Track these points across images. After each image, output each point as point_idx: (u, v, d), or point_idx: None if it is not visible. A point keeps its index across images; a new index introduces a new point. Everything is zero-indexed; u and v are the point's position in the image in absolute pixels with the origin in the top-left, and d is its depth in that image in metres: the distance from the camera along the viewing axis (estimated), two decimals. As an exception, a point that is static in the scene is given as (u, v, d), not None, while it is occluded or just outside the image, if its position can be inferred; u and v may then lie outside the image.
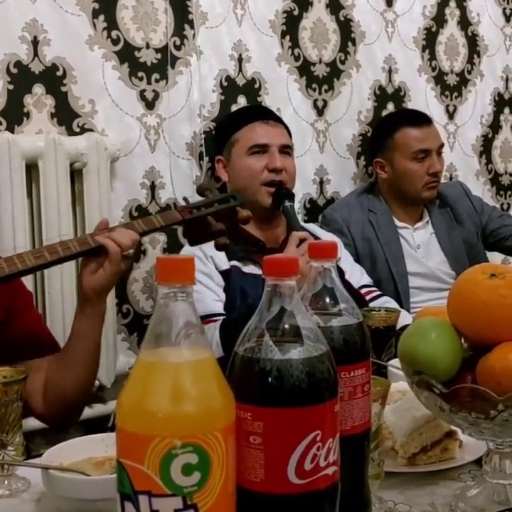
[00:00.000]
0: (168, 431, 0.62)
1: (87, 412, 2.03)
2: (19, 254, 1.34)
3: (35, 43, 1.95)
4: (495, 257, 2.74)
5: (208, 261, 1.93)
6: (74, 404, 1.46)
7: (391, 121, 2.48)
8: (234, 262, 1.95)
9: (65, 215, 1.93)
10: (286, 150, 2.09)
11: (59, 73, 2.00)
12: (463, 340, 0.91)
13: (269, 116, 2.17)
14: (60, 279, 1.91)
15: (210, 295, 1.89)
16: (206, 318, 1.80)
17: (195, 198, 1.57)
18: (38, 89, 1.97)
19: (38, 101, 1.97)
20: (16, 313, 1.41)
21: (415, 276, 2.39)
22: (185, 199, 1.56)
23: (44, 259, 1.33)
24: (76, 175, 1.99)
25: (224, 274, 1.93)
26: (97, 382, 2.00)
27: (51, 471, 0.92)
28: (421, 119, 2.43)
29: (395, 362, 1.22)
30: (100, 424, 1.95)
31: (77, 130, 2.03)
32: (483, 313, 0.88)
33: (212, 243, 2.03)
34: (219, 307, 1.89)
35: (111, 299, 1.86)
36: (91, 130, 2.04)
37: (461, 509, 0.93)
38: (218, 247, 1.53)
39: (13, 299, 1.42)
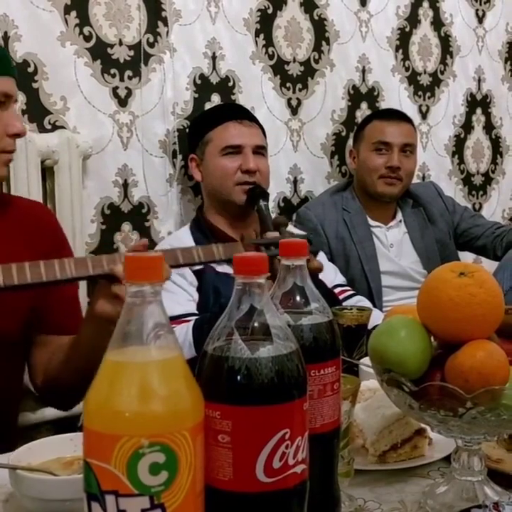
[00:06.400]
0: (135, 430, 0.61)
1: (58, 412, 2.01)
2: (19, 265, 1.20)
3: (5, 38, 1.93)
4: (466, 257, 2.77)
5: (181, 260, 1.92)
6: (68, 394, 1.39)
7: (370, 115, 2.54)
8: None
9: (36, 212, 1.91)
10: (260, 150, 2.09)
11: (30, 69, 1.98)
12: (432, 339, 0.92)
13: (243, 115, 2.15)
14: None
15: (183, 295, 1.88)
16: (179, 319, 1.79)
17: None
18: (9, 85, 1.94)
19: (9, 97, 1.94)
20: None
21: (388, 275, 2.41)
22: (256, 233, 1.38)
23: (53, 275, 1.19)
24: (47, 172, 1.97)
25: (197, 273, 1.92)
26: (68, 382, 1.98)
27: (19, 471, 0.91)
28: (392, 115, 2.46)
29: (367, 360, 1.22)
30: (71, 424, 1.93)
31: (49, 127, 2.01)
32: (452, 312, 0.88)
33: (182, 238, 2.02)
34: (192, 307, 1.88)
35: (83, 298, 1.84)
36: (63, 127, 2.02)
37: (430, 506, 0.93)
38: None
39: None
